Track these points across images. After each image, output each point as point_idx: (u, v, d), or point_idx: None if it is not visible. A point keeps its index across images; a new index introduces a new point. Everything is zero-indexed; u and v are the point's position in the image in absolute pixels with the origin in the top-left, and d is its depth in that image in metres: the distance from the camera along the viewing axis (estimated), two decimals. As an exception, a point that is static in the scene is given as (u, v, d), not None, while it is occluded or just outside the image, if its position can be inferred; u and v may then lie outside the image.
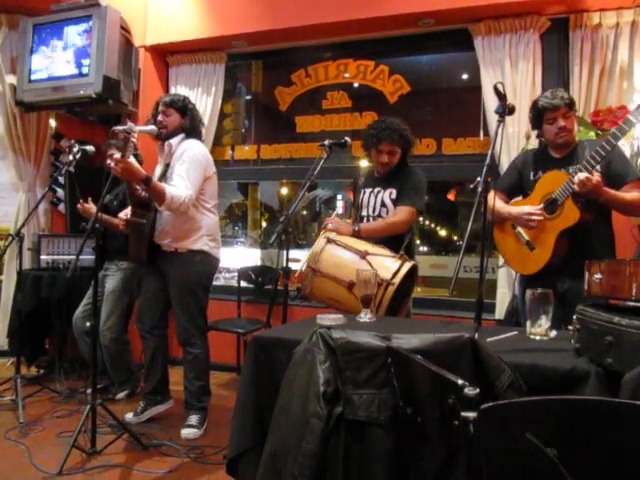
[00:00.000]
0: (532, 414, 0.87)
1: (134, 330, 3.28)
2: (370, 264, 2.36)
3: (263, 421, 1.63)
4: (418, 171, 2.87)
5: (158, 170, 3.07)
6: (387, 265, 2.37)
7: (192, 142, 2.98)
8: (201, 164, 2.92)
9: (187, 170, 2.85)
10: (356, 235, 2.66)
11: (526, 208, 2.39)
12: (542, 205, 2.36)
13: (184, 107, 3.00)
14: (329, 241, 2.50)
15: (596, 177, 2.15)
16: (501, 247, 2.58)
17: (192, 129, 3.02)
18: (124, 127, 2.61)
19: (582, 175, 2.16)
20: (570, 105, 2.37)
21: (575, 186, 2.18)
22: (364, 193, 2.90)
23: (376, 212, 2.83)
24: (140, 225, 2.88)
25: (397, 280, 2.31)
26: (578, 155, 2.37)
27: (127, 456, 2.64)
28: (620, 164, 2.32)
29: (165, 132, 2.95)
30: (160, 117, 2.96)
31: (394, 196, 2.79)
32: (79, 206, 3.44)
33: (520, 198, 2.58)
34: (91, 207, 3.41)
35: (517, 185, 2.57)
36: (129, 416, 3.07)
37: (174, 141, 2.96)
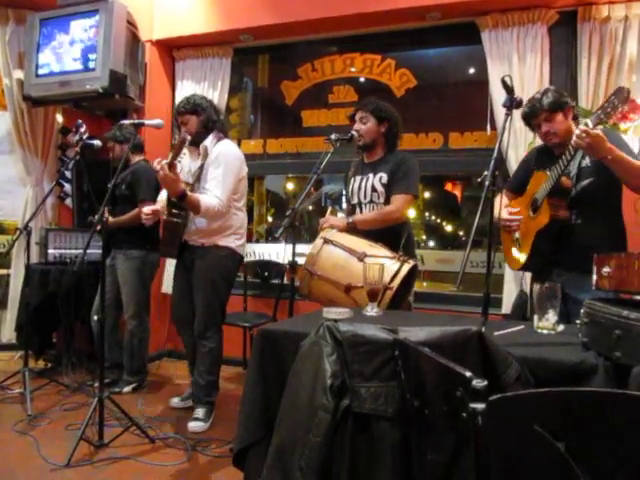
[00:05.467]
0: (540, 406, 0.87)
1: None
2: None
3: (270, 414, 1.63)
4: (408, 156, 2.84)
5: (187, 168, 3.09)
6: (386, 267, 2.26)
7: (226, 143, 3.03)
8: (235, 168, 2.98)
9: (222, 175, 2.91)
10: (351, 227, 2.65)
11: (504, 215, 2.40)
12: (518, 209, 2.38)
13: (194, 106, 3.01)
14: (326, 241, 2.45)
15: (596, 130, 1.96)
16: (503, 243, 2.61)
17: (213, 121, 3.03)
18: (179, 137, 2.76)
19: (577, 131, 1.99)
20: (550, 108, 2.26)
21: (574, 143, 2.02)
22: (354, 181, 2.89)
23: (367, 198, 2.81)
24: (176, 225, 2.98)
25: (395, 284, 2.27)
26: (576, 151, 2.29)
27: (134, 449, 2.65)
28: (617, 147, 2.07)
29: (192, 138, 2.97)
30: (183, 129, 3.00)
31: (384, 180, 2.75)
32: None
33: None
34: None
35: (525, 184, 2.49)
36: (175, 400, 3.19)
37: (209, 143, 3.00)
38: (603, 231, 2.29)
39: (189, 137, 2.84)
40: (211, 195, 2.88)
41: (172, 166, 2.73)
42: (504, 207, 2.46)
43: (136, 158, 3.67)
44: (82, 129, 3.23)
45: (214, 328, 3.04)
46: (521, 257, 2.40)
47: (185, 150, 2.97)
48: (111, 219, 3.32)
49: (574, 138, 2.02)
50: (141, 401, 3.32)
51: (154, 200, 3.36)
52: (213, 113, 3.06)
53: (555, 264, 2.31)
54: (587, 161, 2.23)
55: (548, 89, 2.37)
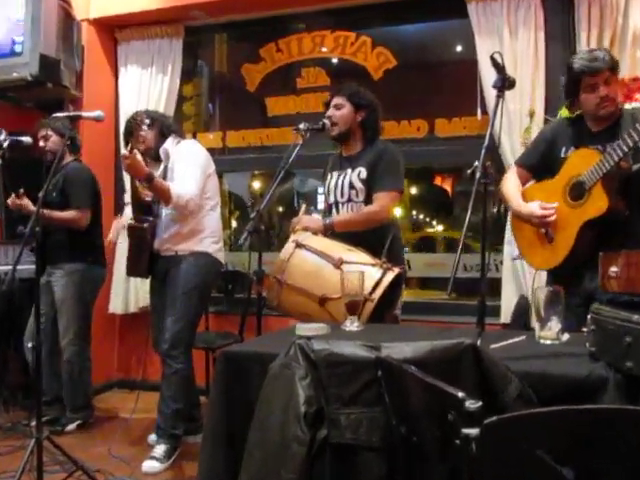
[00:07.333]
0: (543, 428, 0.87)
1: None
2: None
3: (236, 449, 1.61)
4: (390, 146, 2.87)
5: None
6: (366, 276, 2.20)
7: (188, 142, 3.26)
8: (201, 163, 3.12)
9: (190, 167, 3.04)
10: (329, 229, 2.65)
11: (537, 210, 2.27)
12: (557, 201, 2.25)
13: (152, 120, 3.10)
14: (298, 245, 2.43)
15: None
16: (517, 235, 2.51)
17: (167, 127, 3.19)
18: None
19: None
20: (613, 68, 2.21)
21: None
22: (331, 177, 2.91)
23: (345, 197, 2.82)
24: (141, 230, 3.04)
25: (377, 295, 2.25)
26: (621, 128, 2.19)
27: (80, 497, 2.60)
28: None
29: (153, 151, 3.12)
30: (141, 147, 3.06)
31: (363, 176, 2.76)
32: (10, 201, 3.37)
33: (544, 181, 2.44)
34: (27, 203, 3.33)
35: (545, 162, 2.40)
36: (152, 437, 3.16)
37: (169, 145, 3.14)
38: None
39: (147, 121, 2.97)
40: (180, 186, 2.95)
41: (132, 152, 2.79)
42: (534, 201, 2.32)
43: (68, 158, 3.58)
44: (1, 137, 3.16)
45: (181, 347, 3.03)
46: (559, 253, 2.26)
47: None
48: (47, 211, 3.21)
49: None
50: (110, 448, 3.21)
51: (90, 207, 3.42)
52: (165, 119, 3.26)
53: (588, 266, 2.10)
54: None
55: (601, 49, 2.32)
